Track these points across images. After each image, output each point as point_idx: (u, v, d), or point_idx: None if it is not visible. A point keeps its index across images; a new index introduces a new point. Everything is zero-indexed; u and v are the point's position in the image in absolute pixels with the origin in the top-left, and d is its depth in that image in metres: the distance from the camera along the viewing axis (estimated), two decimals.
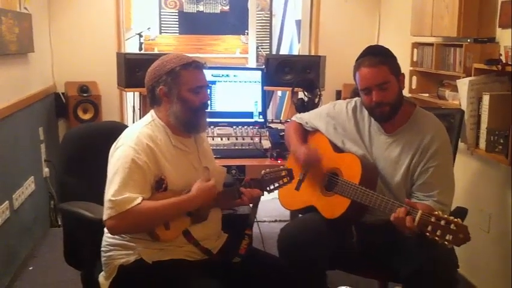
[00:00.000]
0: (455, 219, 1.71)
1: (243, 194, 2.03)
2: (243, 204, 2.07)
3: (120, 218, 1.76)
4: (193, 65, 1.96)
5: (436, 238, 1.72)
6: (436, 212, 1.76)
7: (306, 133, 2.44)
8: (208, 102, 2.04)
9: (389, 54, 2.13)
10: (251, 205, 2.12)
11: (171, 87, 1.94)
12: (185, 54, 2.04)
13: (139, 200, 1.78)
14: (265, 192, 2.12)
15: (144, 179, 1.84)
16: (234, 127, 3.22)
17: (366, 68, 2.08)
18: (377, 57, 2.08)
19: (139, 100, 3.73)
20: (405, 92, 2.19)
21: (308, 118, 2.43)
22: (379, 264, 2.16)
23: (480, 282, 2.95)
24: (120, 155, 1.85)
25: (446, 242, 1.71)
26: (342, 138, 2.26)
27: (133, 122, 3.98)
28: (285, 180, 2.13)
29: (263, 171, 2.11)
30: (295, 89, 3.26)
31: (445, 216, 1.73)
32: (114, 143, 1.92)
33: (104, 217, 1.79)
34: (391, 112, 2.10)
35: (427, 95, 3.37)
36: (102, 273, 1.93)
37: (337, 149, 2.27)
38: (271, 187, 2.12)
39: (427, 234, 1.75)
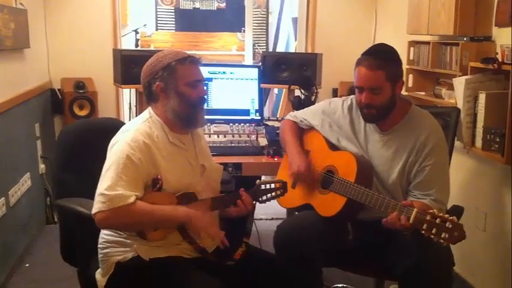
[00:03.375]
0: (451, 217, 1.72)
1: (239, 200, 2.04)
2: (238, 214, 2.06)
3: (110, 213, 1.75)
4: (189, 60, 1.96)
5: (432, 236, 1.73)
6: (431, 210, 1.76)
7: (301, 131, 2.43)
8: (206, 97, 2.03)
9: (393, 58, 2.11)
10: None
11: (168, 83, 1.93)
12: (180, 50, 2.03)
13: (132, 199, 1.77)
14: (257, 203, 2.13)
15: (138, 176, 1.83)
16: (231, 124, 3.22)
17: (363, 68, 2.07)
18: (378, 60, 2.05)
19: (136, 97, 3.72)
20: (402, 91, 2.18)
21: (303, 115, 2.42)
22: (375, 262, 2.17)
23: (476, 281, 2.96)
24: (115, 150, 1.85)
25: (441, 240, 1.71)
26: (337, 136, 2.26)
27: (130, 119, 3.98)
28: (279, 192, 2.14)
29: (258, 181, 2.12)
30: (292, 87, 3.26)
31: (440, 214, 1.74)
32: (112, 139, 1.92)
33: (94, 210, 1.76)
34: (377, 116, 2.11)
35: (423, 93, 3.38)
36: (99, 270, 1.93)
37: (333, 147, 2.27)
38: (264, 198, 2.12)
39: (423, 232, 1.75)
